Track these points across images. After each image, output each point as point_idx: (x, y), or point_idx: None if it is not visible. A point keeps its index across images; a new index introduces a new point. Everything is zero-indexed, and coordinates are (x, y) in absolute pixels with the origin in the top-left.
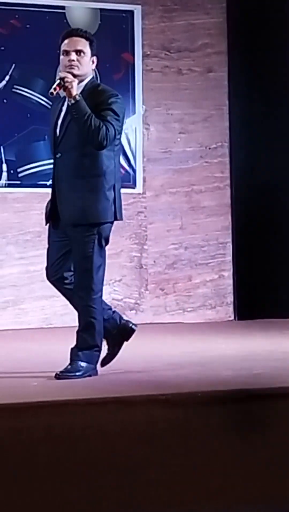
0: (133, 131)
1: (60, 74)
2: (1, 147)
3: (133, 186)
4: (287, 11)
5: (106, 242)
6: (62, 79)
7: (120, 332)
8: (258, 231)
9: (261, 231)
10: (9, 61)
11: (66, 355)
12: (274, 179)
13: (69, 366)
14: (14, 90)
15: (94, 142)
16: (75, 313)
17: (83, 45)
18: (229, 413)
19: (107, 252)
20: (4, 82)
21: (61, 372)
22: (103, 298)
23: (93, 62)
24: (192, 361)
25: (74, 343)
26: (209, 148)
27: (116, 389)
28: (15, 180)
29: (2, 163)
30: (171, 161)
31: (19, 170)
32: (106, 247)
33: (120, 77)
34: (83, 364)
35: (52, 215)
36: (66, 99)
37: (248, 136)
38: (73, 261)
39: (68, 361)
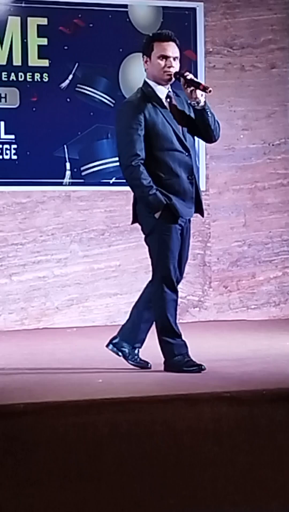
0: None
1: (191, 75)
2: (65, 146)
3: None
4: None
5: None
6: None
7: None
8: None
9: None
10: (73, 60)
11: None
12: None
13: None
14: (77, 89)
15: (216, 136)
16: None
17: (178, 52)
18: None
19: None
20: (67, 81)
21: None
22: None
23: None
24: (257, 359)
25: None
26: (272, 145)
27: (181, 386)
28: (79, 178)
29: (65, 161)
30: (234, 158)
31: (82, 168)
32: None
33: None
34: None
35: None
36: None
37: None
38: (185, 252)
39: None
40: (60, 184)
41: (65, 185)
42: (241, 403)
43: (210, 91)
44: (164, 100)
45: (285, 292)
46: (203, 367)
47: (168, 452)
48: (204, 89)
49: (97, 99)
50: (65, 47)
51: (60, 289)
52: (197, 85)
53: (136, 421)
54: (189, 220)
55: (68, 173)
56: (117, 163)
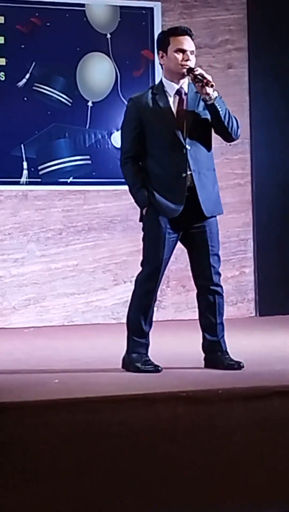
0: None
1: (200, 70)
2: (22, 145)
3: None
4: None
5: None
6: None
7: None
8: (278, 228)
9: (282, 227)
10: (30, 59)
11: (87, 352)
12: None
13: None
14: (34, 88)
15: (232, 134)
16: (96, 310)
17: (194, 46)
18: (250, 410)
19: (129, 249)
20: (24, 80)
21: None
22: (125, 296)
23: None
24: None
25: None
26: (230, 145)
27: (138, 386)
28: (36, 177)
29: (22, 160)
30: None
31: (39, 167)
32: (131, 244)
33: (140, 74)
34: None
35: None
36: (181, 94)
37: (268, 132)
38: (205, 250)
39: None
40: (17, 183)
41: (22, 184)
42: (197, 402)
43: (211, 85)
44: (171, 97)
45: (242, 292)
46: (159, 368)
47: (125, 452)
48: (206, 83)
49: (54, 98)
50: (22, 46)
51: (17, 289)
52: (202, 80)
53: (93, 421)
54: (211, 217)
55: (25, 172)
56: (74, 162)
